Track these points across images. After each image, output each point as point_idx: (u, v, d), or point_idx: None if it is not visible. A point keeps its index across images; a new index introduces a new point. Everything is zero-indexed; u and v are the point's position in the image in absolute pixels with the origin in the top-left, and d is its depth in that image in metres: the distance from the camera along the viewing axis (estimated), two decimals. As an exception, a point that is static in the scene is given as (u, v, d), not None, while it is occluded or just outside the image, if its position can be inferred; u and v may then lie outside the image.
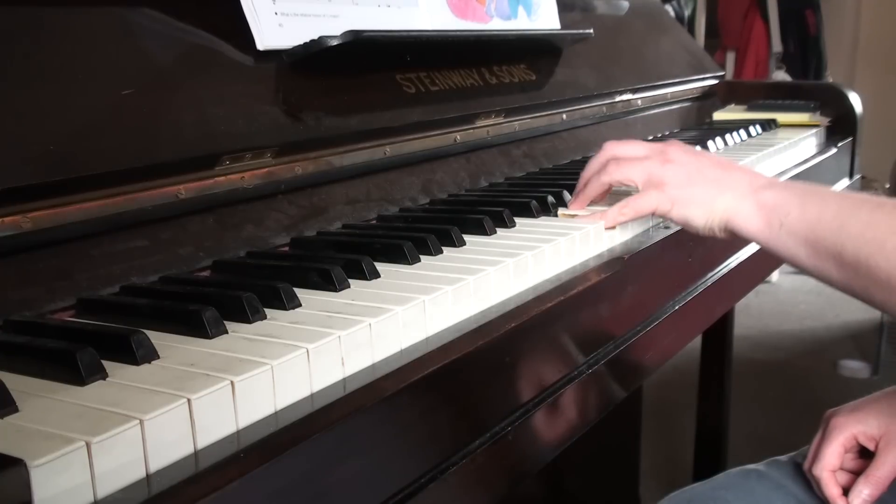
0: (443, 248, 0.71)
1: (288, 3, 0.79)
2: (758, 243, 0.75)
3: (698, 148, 0.95)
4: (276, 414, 0.47)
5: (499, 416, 0.61)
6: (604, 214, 0.80)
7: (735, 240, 0.78)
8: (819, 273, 0.71)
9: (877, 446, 0.82)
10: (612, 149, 0.83)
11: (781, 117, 1.54)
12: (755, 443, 2.11)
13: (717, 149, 1.25)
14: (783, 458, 0.92)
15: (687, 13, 3.99)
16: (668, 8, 3.05)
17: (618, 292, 0.76)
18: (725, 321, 1.73)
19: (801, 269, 0.73)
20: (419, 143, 0.91)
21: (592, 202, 0.85)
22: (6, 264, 0.56)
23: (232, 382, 0.44)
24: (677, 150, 0.80)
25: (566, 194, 0.90)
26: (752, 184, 0.75)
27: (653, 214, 0.81)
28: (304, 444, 0.44)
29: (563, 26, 1.19)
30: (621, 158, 0.81)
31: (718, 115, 1.62)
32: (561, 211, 0.85)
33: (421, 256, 0.69)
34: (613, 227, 0.81)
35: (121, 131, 0.63)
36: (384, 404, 0.49)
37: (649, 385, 2.23)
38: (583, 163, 1.15)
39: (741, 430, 2.07)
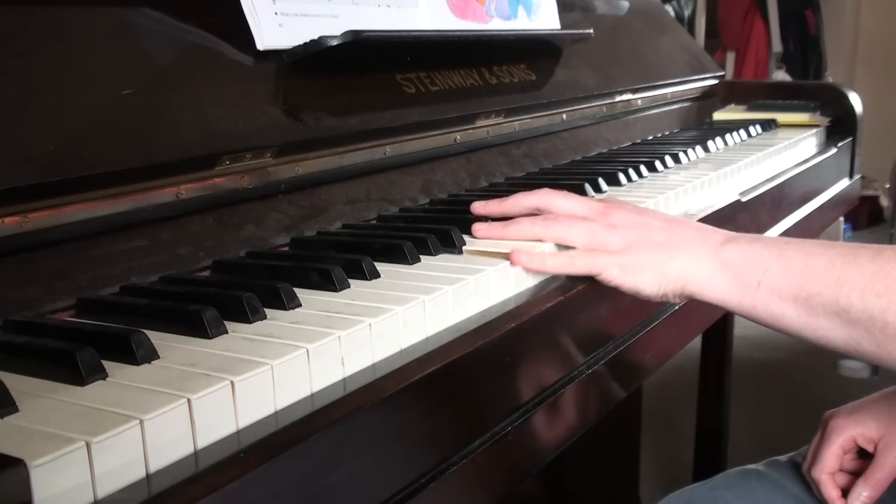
0: (443, 248, 0.71)
1: (288, 3, 0.79)
2: (727, 308, 0.67)
3: (643, 204, 0.85)
4: (276, 414, 0.47)
5: (499, 416, 0.61)
6: (532, 255, 0.69)
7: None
8: (813, 333, 0.63)
9: (876, 448, 0.82)
10: (548, 198, 0.74)
11: (781, 117, 1.54)
12: (755, 443, 2.11)
13: (717, 149, 1.25)
14: (783, 458, 0.92)
15: (687, 13, 3.99)
16: (668, 8, 3.05)
17: (618, 292, 0.76)
18: (725, 321, 1.73)
19: (784, 331, 0.65)
20: (419, 143, 0.91)
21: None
22: (6, 264, 0.56)
23: (232, 382, 0.44)
24: (620, 213, 0.71)
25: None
26: (707, 242, 0.67)
27: (597, 277, 0.70)
28: (304, 444, 0.44)
29: (563, 26, 1.19)
30: (559, 215, 0.72)
31: (718, 115, 1.63)
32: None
33: (421, 256, 0.69)
34: (537, 271, 0.70)
35: (121, 131, 0.63)
36: (384, 404, 0.49)
37: (649, 385, 2.23)
38: (583, 163, 1.16)
39: (741, 430, 2.07)
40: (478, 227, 0.75)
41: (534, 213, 0.75)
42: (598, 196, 0.93)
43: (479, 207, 0.78)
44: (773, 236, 0.68)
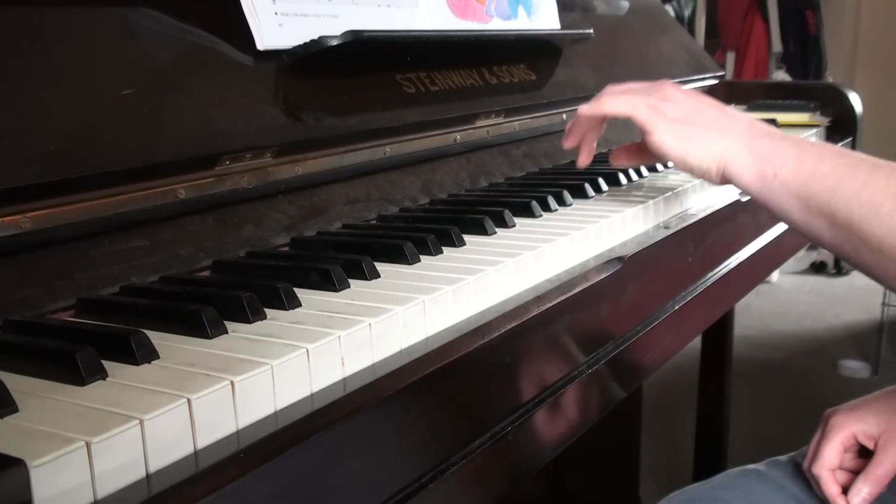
0: (443, 247, 0.71)
1: (288, 3, 0.79)
2: (748, 193, 0.74)
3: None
4: (275, 414, 0.47)
5: (499, 416, 0.61)
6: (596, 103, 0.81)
7: (727, 185, 0.76)
8: (808, 229, 0.69)
9: (876, 445, 0.83)
10: (607, 88, 0.82)
11: (781, 117, 1.54)
12: (755, 443, 2.11)
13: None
14: (783, 458, 0.93)
15: (687, 13, 3.99)
16: (668, 8, 3.05)
17: (618, 292, 0.76)
18: (725, 321, 1.73)
19: (790, 225, 0.71)
20: (419, 143, 0.91)
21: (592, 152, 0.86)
22: (6, 264, 0.56)
23: (232, 382, 0.45)
24: (675, 90, 0.78)
25: (566, 194, 0.90)
26: (750, 130, 0.74)
27: (649, 137, 0.78)
28: (304, 444, 0.44)
29: (563, 26, 1.19)
30: (616, 91, 0.80)
31: (718, 115, 1.62)
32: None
33: (421, 256, 0.69)
34: (588, 114, 0.81)
35: (121, 131, 0.63)
36: (384, 404, 0.49)
37: (649, 385, 2.24)
38: (583, 163, 1.16)
39: (741, 430, 2.08)
40: (563, 139, 0.88)
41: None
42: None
43: (565, 141, 0.88)
44: (806, 140, 0.75)
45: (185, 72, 0.70)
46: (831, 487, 0.83)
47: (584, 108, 0.82)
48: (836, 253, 0.68)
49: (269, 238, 0.73)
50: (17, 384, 0.44)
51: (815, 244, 0.70)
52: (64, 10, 0.64)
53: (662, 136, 0.76)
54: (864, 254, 0.64)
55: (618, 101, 0.79)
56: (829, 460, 0.83)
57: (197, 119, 0.68)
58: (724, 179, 0.75)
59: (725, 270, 1.01)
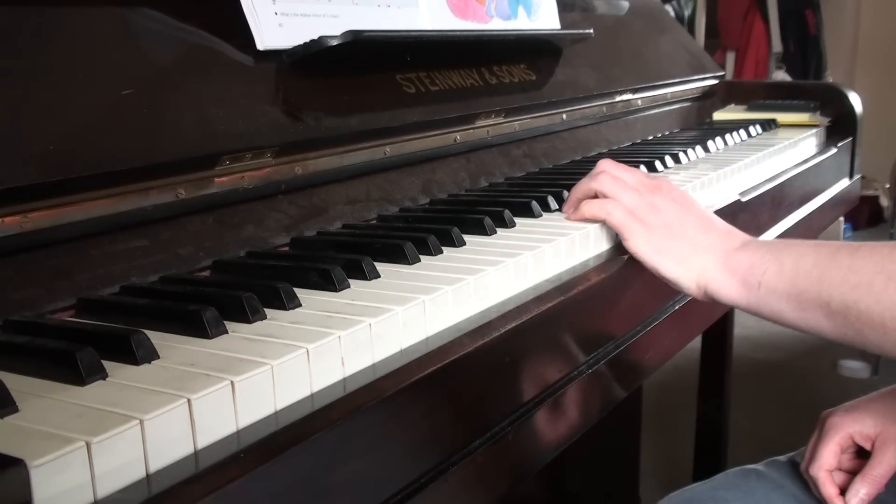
0: (443, 248, 0.71)
1: (288, 3, 0.79)
2: (739, 307, 0.73)
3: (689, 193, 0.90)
4: (276, 414, 0.47)
5: (499, 416, 0.61)
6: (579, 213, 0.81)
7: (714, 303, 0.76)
8: (808, 326, 0.69)
9: (873, 446, 0.83)
10: (606, 164, 0.81)
11: (781, 117, 1.54)
12: (755, 443, 2.11)
13: (718, 149, 1.25)
14: (782, 458, 0.93)
15: (687, 13, 3.99)
16: (668, 8, 3.05)
17: (618, 292, 0.76)
18: (725, 321, 1.73)
19: (787, 326, 0.71)
20: (419, 143, 0.91)
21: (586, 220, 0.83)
22: (6, 264, 0.56)
23: (232, 382, 0.44)
24: (665, 200, 0.77)
25: (566, 194, 0.89)
26: (726, 246, 0.74)
27: (625, 242, 0.77)
28: (304, 444, 0.44)
29: (563, 26, 1.19)
30: (616, 177, 0.79)
31: (718, 115, 1.63)
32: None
33: (421, 256, 0.69)
34: (574, 220, 0.81)
35: (121, 131, 0.63)
36: (384, 404, 0.49)
37: (649, 385, 2.23)
38: (583, 163, 1.16)
39: (741, 430, 2.08)
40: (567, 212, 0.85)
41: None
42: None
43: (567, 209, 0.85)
44: (781, 240, 0.76)
45: (185, 72, 0.70)
46: (829, 488, 0.83)
47: (569, 212, 0.83)
48: (841, 340, 0.67)
49: (269, 238, 0.73)
50: (17, 384, 0.44)
51: (817, 336, 0.70)
52: (64, 10, 0.64)
53: (638, 243, 0.76)
54: (869, 335, 0.64)
55: (595, 207, 0.79)
56: (827, 461, 0.83)
57: (197, 119, 0.68)
58: (708, 297, 0.75)
59: (725, 270, 1.00)
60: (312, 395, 0.49)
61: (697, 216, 0.77)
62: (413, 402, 0.52)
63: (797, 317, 0.69)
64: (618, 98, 1.32)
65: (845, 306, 0.64)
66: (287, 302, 0.57)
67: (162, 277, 0.64)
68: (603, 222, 0.79)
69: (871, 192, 4.14)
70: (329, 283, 0.61)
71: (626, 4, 1.48)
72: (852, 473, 0.84)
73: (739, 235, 0.76)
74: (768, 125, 1.49)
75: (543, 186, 0.94)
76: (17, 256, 0.56)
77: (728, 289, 0.72)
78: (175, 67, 0.69)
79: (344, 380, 0.51)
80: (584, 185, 0.82)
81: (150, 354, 0.48)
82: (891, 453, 0.81)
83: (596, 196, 0.80)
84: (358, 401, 0.48)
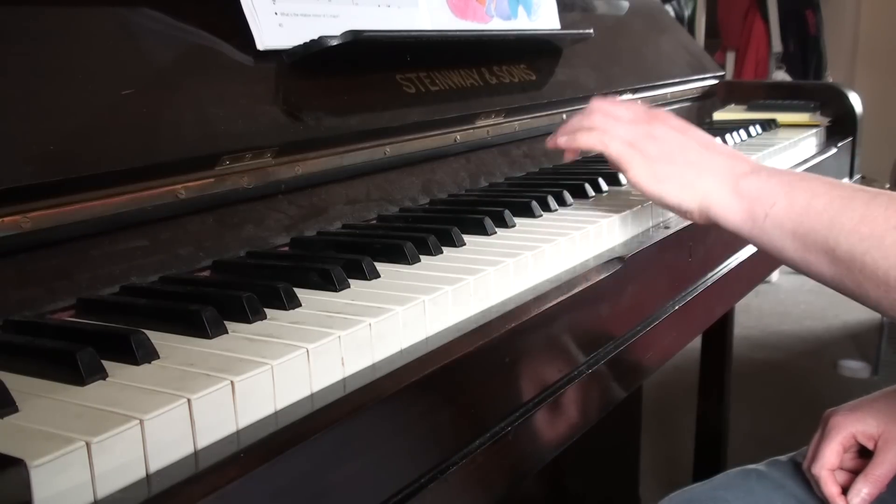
0: (443, 248, 0.71)
1: (288, 3, 0.79)
2: (739, 235, 0.71)
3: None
4: (276, 414, 0.47)
5: (499, 416, 0.61)
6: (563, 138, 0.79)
7: (716, 227, 0.74)
8: (807, 267, 0.67)
9: (875, 445, 0.83)
10: (599, 103, 0.80)
11: (781, 117, 1.54)
12: (755, 443, 2.11)
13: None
14: (783, 457, 0.93)
15: (687, 13, 3.99)
16: (668, 8, 3.05)
17: (618, 292, 0.76)
18: (725, 321, 1.73)
19: (785, 263, 0.69)
20: (419, 143, 0.91)
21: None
22: (6, 264, 0.56)
23: (232, 382, 0.44)
24: (663, 127, 0.76)
25: (566, 194, 0.90)
26: (733, 169, 0.71)
27: (626, 174, 0.76)
28: (304, 444, 0.44)
29: (563, 26, 1.19)
30: (609, 113, 0.78)
31: (718, 115, 1.63)
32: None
33: (421, 256, 0.69)
34: (564, 146, 0.79)
35: (121, 131, 0.63)
36: (384, 404, 0.49)
37: (649, 385, 2.23)
38: (583, 163, 1.16)
39: (741, 430, 2.08)
40: (549, 140, 0.83)
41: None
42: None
43: (550, 141, 0.84)
44: (794, 172, 0.72)
45: (185, 72, 0.70)
46: (831, 488, 0.83)
47: (562, 140, 0.80)
48: (837, 289, 0.66)
49: (269, 238, 0.73)
50: (17, 384, 0.44)
51: (813, 279, 0.69)
52: (64, 10, 0.64)
53: (638, 174, 0.74)
54: (869, 288, 0.62)
55: (593, 136, 0.76)
56: (829, 461, 0.83)
57: (197, 119, 0.68)
58: (709, 220, 0.72)
59: (725, 270, 1.01)
60: (312, 395, 0.49)
61: (698, 140, 0.75)
62: (413, 402, 0.52)
63: (798, 257, 0.67)
64: (618, 98, 1.31)
65: (851, 255, 0.62)
66: (287, 302, 0.57)
67: (162, 277, 0.64)
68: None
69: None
70: (329, 283, 0.61)
71: (626, 4, 1.48)
72: (854, 473, 0.84)
73: (746, 159, 0.74)
74: (768, 125, 1.49)
75: (543, 186, 0.94)
76: (17, 256, 0.56)
77: (733, 214, 0.70)
78: (175, 67, 0.69)
79: (344, 380, 0.51)
80: (575, 121, 0.80)
81: (150, 354, 0.48)
82: (893, 453, 0.81)
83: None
84: (358, 401, 0.48)
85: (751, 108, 1.64)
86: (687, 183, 0.72)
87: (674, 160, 0.73)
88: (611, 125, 0.76)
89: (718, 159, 0.73)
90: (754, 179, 0.70)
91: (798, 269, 0.68)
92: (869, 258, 0.61)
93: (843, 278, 0.64)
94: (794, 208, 0.66)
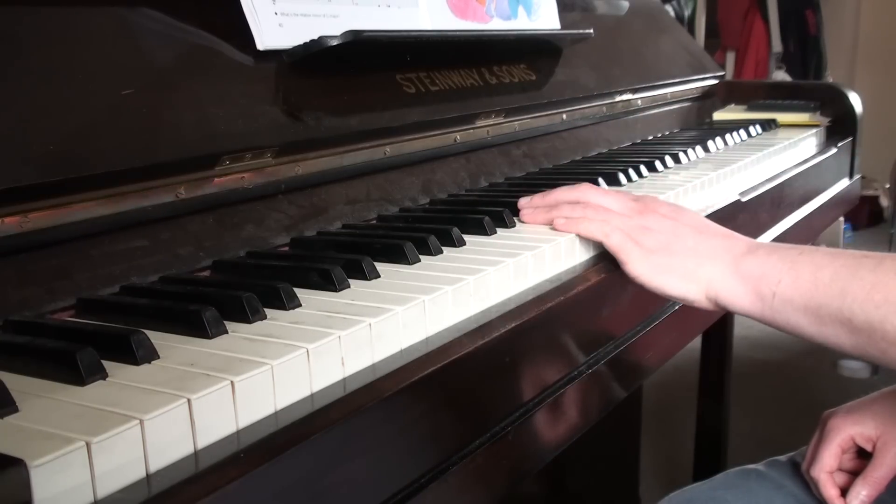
0: (443, 248, 0.71)
1: (288, 3, 0.79)
2: (751, 318, 0.70)
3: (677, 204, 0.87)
4: (276, 414, 0.47)
5: (499, 416, 0.61)
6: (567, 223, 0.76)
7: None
8: (826, 340, 0.66)
9: (874, 447, 0.83)
10: (587, 193, 0.78)
11: (781, 117, 1.54)
12: (755, 443, 2.11)
13: (718, 149, 1.25)
14: (783, 458, 0.92)
15: (687, 13, 3.99)
16: (668, 8, 3.05)
17: (618, 292, 0.76)
18: (725, 321, 1.73)
19: (805, 339, 0.67)
20: (419, 143, 0.91)
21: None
22: (6, 264, 0.56)
23: (232, 382, 0.44)
24: (655, 216, 0.75)
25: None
26: (732, 251, 0.71)
27: (624, 266, 0.74)
28: (304, 444, 0.44)
29: (563, 26, 1.19)
30: (599, 206, 0.76)
31: (718, 115, 1.63)
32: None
33: (421, 256, 0.69)
34: (560, 229, 0.76)
35: (121, 131, 0.63)
36: (384, 404, 0.49)
37: (649, 385, 2.23)
38: (583, 163, 1.16)
39: (741, 430, 2.08)
40: (524, 213, 0.82)
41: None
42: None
43: (524, 202, 0.83)
44: (790, 245, 0.70)
45: (185, 72, 0.70)
46: (830, 490, 0.83)
47: (560, 224, 0.77)
48: (862, 358, 0.65)
49: (269, 238, 0.73)
50: (17, 384, 0.44)
51: (836, 350, 0.67)
52: (64, 10, 0.64)
53: (637, 268, 0.73)
54: (892, 351, 0.61)
55: (594, 226, 0.75)
56: (828, 463, 0.83)
57: (197, 119, 0.68)
58: (719, 307, 0.71)
59: (725, 270, 1.00)
60: (312, 396, 0.49)
61: (692, 225, 0.74)
62: (413, 402, 0.52)
63: (816, 331, 0.66)
64: (618, 98, 1.32)
65: (870, 325, 0.61)
66: (287, 302, 0.57)
67: (162, 277, 0.64)
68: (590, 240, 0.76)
69: (871, 192, 4.14)
70: (329, 283, 0.61)
71: (626, 4, 1.48)
72: (853, 474, 0.84)
73: (742, 238, 0.73)
74: (768, 125, 1.49)
75: (543, 186, 0.94)
76: (17, 256, 0.56)
77: (741, 298, 0.69)
78: (175, 67, 0.69)
79: (344, 380, 0.51)
80: (563, 197, 0.78)
81: (150, 354, 0.48)
82: (891, 455, 0.81)
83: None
84: (358, 401, 0.48)
85: (751, 108, 1.65)
86: (688, 273, 0.71)
87: (672, 251, 0.72)
88: (608, 216, 0.75)
89: (714, 242, 0.72)
90: (753, 259, 0.69)
91: (815, 341, 0.67)
92: (889, 325, 0.60)
93: (866, 347, 0.63)
94: (801, 283, 0.65)
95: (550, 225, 0.78)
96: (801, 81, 3.77)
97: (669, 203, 0.78)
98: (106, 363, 0.46)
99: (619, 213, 0.75)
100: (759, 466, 0.92)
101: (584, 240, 0.77)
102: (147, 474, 0.40)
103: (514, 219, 0.81)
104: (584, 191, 0.79)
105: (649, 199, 0.78)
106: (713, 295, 0.71)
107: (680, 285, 0.72)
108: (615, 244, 0.73)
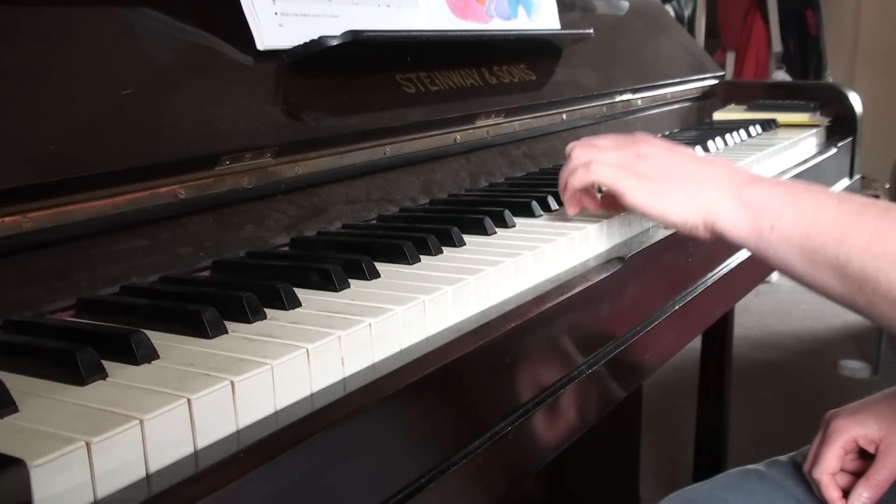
0: (443, 248, 0.71)
1: (288, 3, 0.79)
2: (744, 247, 0.69)
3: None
4: (275, 414, 0.47)
5: (499, 416, 0.61)
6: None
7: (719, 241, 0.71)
8: (815, 283, 0.64)
9: (877, 449, 0.82)
10: (575, 150, 0.77)
11: (781, 117, 1.54)
12: (755, 443, 2.11)
13: (717, 149, 1.25)
14: (783, 458, 0.92)
15: (687, 13, 3.99)
16: (668, 8, 3.05)
17: (618, 292, 0.76)
18: (725, 321, 1.73)
19: (791, 278, 0.66)
20: (419, 143, 0.91)
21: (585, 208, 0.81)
22: (6, 264, 0.56)
23: (232, 382, 0.44)
24: (648, 144, 0.73)
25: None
26: (734, 180, 0.69)
27: (622, 198, 0.73)
28: (304, 444, 0.44)
29: (563, 26, 1.19)
30: (589, 145, 0.76)
31: (718, 115, 1.62)
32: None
33: (421, 256, 0.69)
34: (566, 202, 0.78)
35: (121, 131, 0.63)
36: (384, 404, 0.49)
37: (649, 385, 2.24)
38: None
39: (741, 430, 2.07)
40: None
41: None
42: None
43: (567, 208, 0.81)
44: (797, 182, 0.69)
45: (185, 72, 0.70)
46: (832, 492, 0.83)
47: (562, 192, 0.78)
48: (847, 305, 0.63)
49: (269, 238, 0.73)
50: (17, 384, 0.44)
51: (821, 296, 0.65)
52: (64, 10, 0.64)
53: (637, 195, 0.71)
54: (884, 308, 0.59)
55: (579, 172, 0.74)
56: (830, 465, 0.83)
57: (197, 119, 0.68)
58: (715, 235, 0.70)
59: (725, 270, 1.01)
60: (312, 396, 0.49)
61: (690, 154, 0.73)
62: (413, 402, 0.52)
63: (807, 272, 0.64)
64: (618, 98, 1.32)
65: (864, 274, 0.59)
66: (287, 302, 0.57)
67: (162, 277, 0.64)
68: (598, 190, 0.76)
69: (871, 192, 4.14)
70: (329, 283, 0.61)
71: (626, 4, 1.48)
72: (856, 475, 0.83)
73: (744, 170, 0.71)
74: (768, 125, 1.49)
75: (543, 186, 0.94)
76: (17, 256, 0.56)
77: (738, 227, 0.67)
78: (175, 67, 0.69)
79: (344, 380, 0.51)
80: (564, 174, 0.78)
81: (150, 354, 0.48)
82: (894, 458, 0.81)
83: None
84: (358, 401, 0.48)
85: (751, 108, 1.64)
86: (689, 196, 0.69)
87: (670, 175, 0.70)
88: (595, 154, 0.74)
89: (717, 170, 0.70)
90: (756, 189, 0.67)
91: (805, 284, 0.65)
92: (883, 277, 0.58)
93: (855, 296, 0.61)
94: (802, 221, 0.64)
95: (583, 207, 0.79)
96: (801, 81, 3.77)
97: (662, 139, 0.76)
98: (106, 363, 0.46)
99: (611, 147, 0.74)
100: (759, 467, 0.92)
101: (585, 240, 0.77)
102: (147, 474, 0.40)
103: (514, 219, 0.81)
104: (569, 145, 0.78)
105: (639, 132, 0.77)
106: (711, 220, 0.69)
107: (680, 209, 0.70)
108: (607, 178, 0.72)
